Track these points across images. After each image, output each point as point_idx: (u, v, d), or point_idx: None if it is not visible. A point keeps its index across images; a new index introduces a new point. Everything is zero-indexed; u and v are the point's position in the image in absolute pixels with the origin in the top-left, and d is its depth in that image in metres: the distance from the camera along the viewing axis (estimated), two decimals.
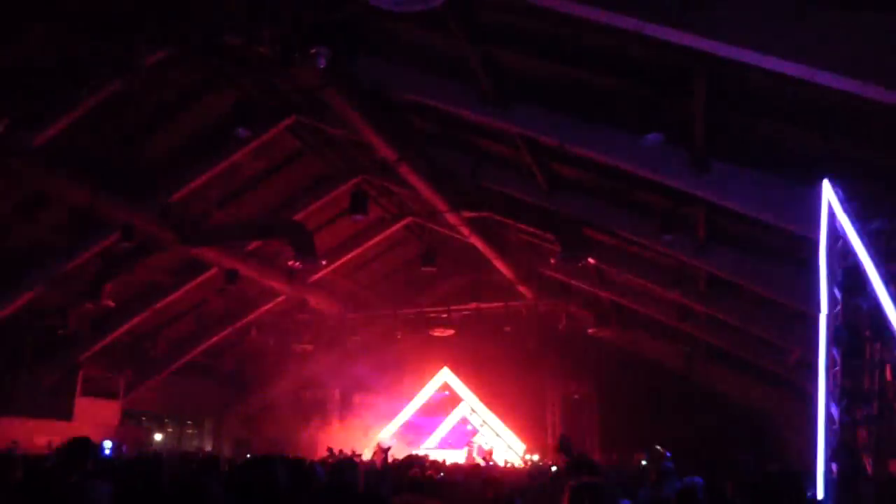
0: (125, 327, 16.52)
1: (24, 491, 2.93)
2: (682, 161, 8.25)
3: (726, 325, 14.04)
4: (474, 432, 21.54)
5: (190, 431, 23.22)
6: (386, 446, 14.48)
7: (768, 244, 9.89)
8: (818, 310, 6.85)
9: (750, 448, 13.91)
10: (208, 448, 21.34)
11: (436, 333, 19.35)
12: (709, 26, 5.37)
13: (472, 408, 21.66)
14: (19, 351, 15.28)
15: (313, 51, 7.73)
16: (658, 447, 8.09)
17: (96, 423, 16.43)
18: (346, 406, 22.32)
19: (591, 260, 12.74)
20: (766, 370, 14.93)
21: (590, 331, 18.16)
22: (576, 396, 20.68)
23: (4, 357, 14.91)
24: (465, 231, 13.36)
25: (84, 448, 3.96)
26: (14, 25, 8.69)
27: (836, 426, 6.54)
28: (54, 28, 9.02)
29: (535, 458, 19.18)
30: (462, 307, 19.26)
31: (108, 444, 15.89)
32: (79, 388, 16.99)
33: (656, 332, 17.51)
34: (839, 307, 6.59)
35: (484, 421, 21.39)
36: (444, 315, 19.16)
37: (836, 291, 6.62)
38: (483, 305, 19.06)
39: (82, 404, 16.98)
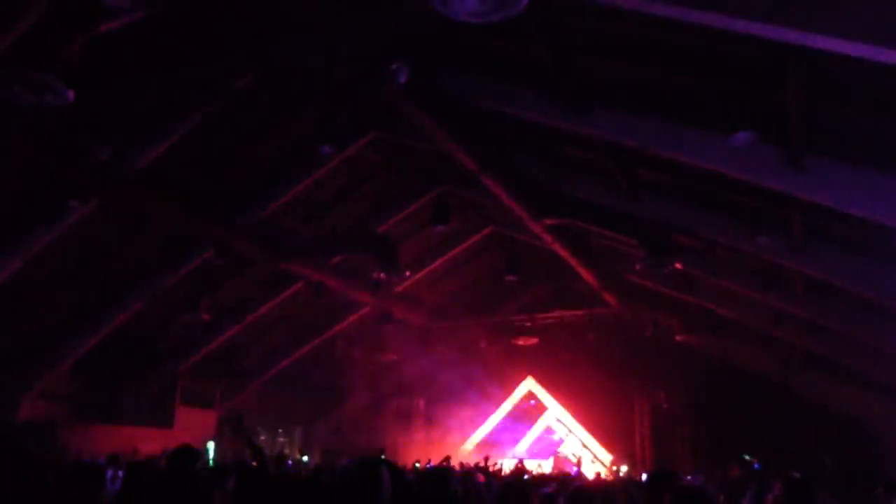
0: (220, 340, 17.25)
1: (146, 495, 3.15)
2: (775, 159, 7.86)
3: (827, 331, 13.29)
4: (560, 442, 21.25)
5: (281, 440, 23.95)
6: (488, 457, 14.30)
7: (874, 244, 9.30)
8: None
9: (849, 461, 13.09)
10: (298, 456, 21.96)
11: (520, 342, 19.25)
12: (804, 18, 5.12)
13: (557, 417, 21.37)
14: (125, 363, 16.19)
15: (394, 66, 7.91)
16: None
17: (194, 430, 17.17)
18: (430, 415, 22.47)
19: (677, 265, 12.36)
20: (872, 380, 14.01)
21: (678, 338, 17.59)
22: (665, 405, 20.00)
23: (112, 369, 15.83)
24: (547, 238, 13.23)
25: (192, 455, 4.23)
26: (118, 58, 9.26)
27: None
28: (152, 59, 9.56)
29: (624, 468, 18.71)
30: (546, 315, 19.09)
31: (210, 445, 16.93)
32: (178, 397, 17.84)
33: (749, 339, 16.76)
34: None
35: (570, 430, 21.05)
36: (528, 324, 19.04)
37: None
38: (567, 313, 18.83)
39: (181, 413, 17.79)
